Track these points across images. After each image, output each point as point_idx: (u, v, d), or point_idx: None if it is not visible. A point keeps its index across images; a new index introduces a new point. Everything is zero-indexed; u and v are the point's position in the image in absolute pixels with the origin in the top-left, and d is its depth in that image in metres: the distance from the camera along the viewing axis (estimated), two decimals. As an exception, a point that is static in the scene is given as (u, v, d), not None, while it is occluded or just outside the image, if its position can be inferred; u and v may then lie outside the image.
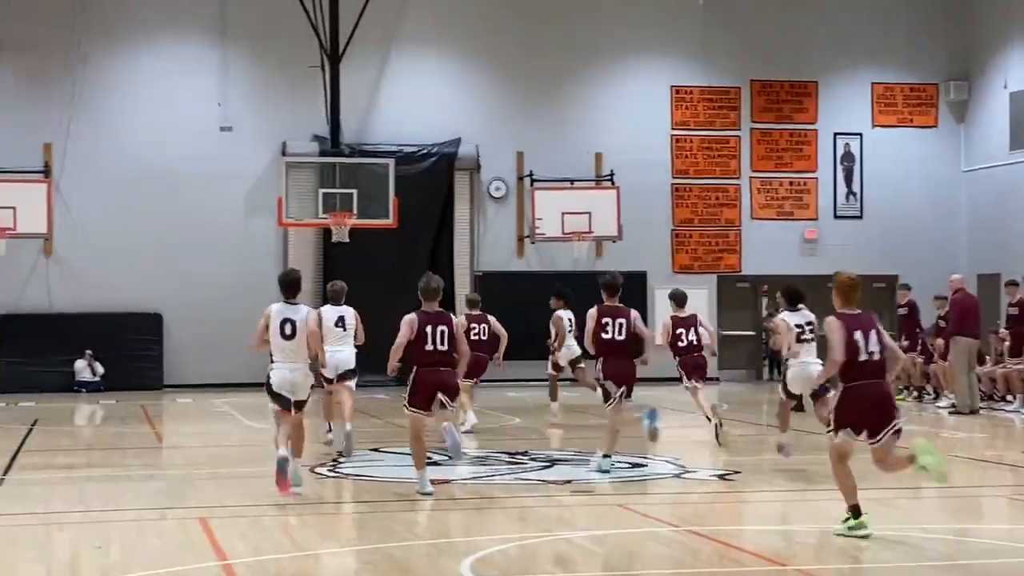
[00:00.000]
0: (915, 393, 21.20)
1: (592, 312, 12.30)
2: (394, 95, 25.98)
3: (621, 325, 12.15)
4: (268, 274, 24.92)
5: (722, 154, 27.36)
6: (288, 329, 10.97)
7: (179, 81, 25.25)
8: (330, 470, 12.85)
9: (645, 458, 13.95)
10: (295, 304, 11.12)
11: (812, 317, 12.80)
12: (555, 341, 17.18)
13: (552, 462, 13.24)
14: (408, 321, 11.01)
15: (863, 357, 8.93)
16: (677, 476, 12.56)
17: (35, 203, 22.95)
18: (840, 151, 27.80)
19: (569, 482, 11.90)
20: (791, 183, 27.65)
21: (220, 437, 16.48)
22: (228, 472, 13.04)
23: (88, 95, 24.81)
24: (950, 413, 18.69)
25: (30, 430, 17.02)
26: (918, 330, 21.24)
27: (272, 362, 11.08)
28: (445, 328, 11.01)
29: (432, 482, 11.81)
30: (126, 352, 24.40)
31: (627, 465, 13.26)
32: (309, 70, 24.37)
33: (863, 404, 8.99)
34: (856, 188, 27.84)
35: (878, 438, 8.99)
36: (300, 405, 11.13)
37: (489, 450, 14.35)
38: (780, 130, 27.59)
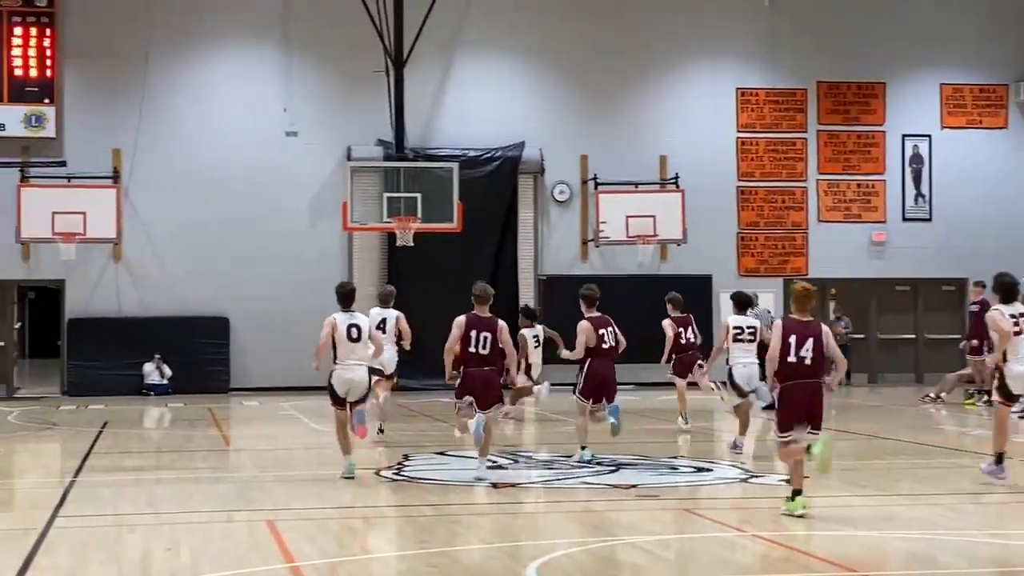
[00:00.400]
0: (985, 397, 20.88)
1: (587, 326, 13.18)
2: (458, 99, 26.05)
3: (614, 333, 13.27)
4: (333, 278, 24.96)
5: (788, 156, 27.15)
6: (355, 333, 12.35)
7: (245, 87, 25.50)
8: (395, 473, 12.89)
9: (711, 463, 13.86)
10: (352, 312, 12.47)
11: (756, 323, 14.57)
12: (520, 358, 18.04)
13: (618, 466, 13.19)
14: (457, 323, 12.20)
15: (791, 359, 10.03)
16: (743, 481, 12.47)
17: (105, 208, 23.22)
18: (908, 153, 27.48)
19: (635, 486, 11.85)
20: (858, 185, 27.36)
21: (286, 440, 16.60)
22: (295, 475, 13.12)
23: (156, 101, 25.10)
24: (1019, 417, 18.37)
25: (100, 432, 17.26)
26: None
27: (335, 363, 12.33)
28: (489, 334, 12.09)
29: (497, 486, 11.88)
30: (193, 355, 24.65)
31: (693, 469, 13.19)
32: (373, 75, 24.49)
33: (795, 399, 10.09)
34: (925, 190, 27.50)
35: (812, 433, 10.09)
36: (355, 404, 12.38)
37: (555, 454, 14.32)
38: (847, 132, 27.31)
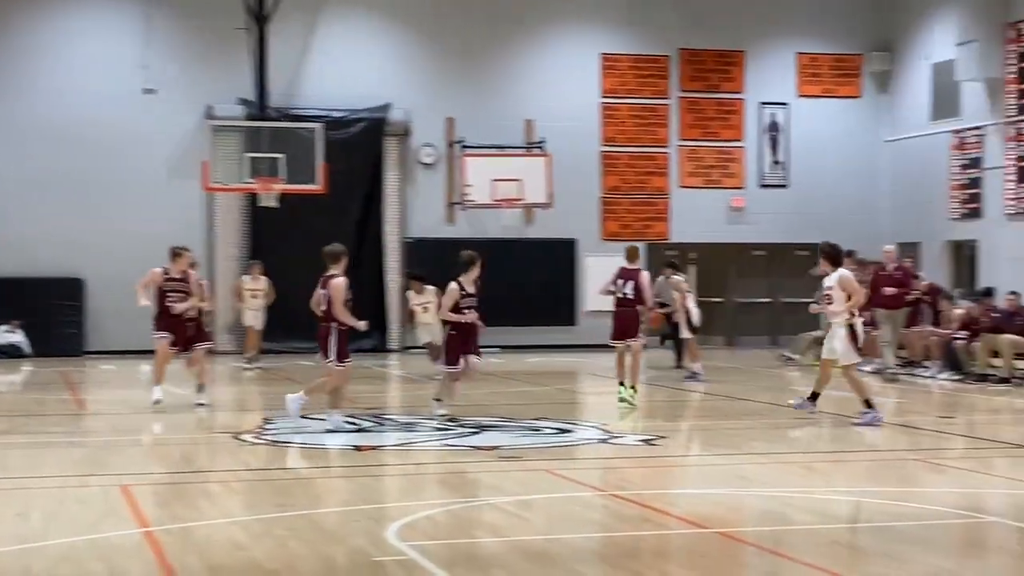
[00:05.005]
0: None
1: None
2: (323, 59, 25.72)
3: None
4: (193, 239, 24.56)
5: (651, 122, 27.44)
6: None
7: (101, 42, 24.81)
8: (256, 437, 12.76)
9: (572, 424, 14.02)
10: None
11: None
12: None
13: (480, 428, 13.26)
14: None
15: (620, 295, 15.17)
16: (603, 441, 12.64)
17: (-46, 165, 22.46)
18: (766, 120, 27.99)
19: (496, 448, 11.93)
20: (718, 151, 27.80)
21: (143, 404, 16.27)
22: (151, 439, 12.91)
23: (8, 54, 24.30)
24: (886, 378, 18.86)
25: (-52, 397, 16.73)
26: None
27: None
28: (325, 292, 12.94)
29: (360, 448, 11.88)
30: (47, 318, 23.99)
31: (554, 431, 13.32)
32: (235, 32, 24.03)
33: (616, 322, 15.25)
34: (782, 157, 28.06)
35: (628, 343, 15.22)
36: None
37: (417, 416, 14.32)
38: (708, 99, 27.70)
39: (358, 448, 11.96)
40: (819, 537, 8.09)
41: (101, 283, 24.40)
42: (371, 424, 13.68)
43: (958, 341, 18.90)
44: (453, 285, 13.55)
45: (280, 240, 24.20)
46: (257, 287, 21.04)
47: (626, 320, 15.21)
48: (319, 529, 8.23)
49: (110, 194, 24.56)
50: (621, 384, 15.33)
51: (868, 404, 13.46)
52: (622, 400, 15.14)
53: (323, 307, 12.91)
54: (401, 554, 7.50)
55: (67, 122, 24.45)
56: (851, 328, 13.50)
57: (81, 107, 24.53)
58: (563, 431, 13.38)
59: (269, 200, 22.52)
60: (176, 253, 15.51)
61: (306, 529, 8.22)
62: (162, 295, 15.19)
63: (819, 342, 22.40)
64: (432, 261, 22.70)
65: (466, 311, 13.53)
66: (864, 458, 11.90)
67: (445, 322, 13.86)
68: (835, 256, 13.82)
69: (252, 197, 23.81)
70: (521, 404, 15.90)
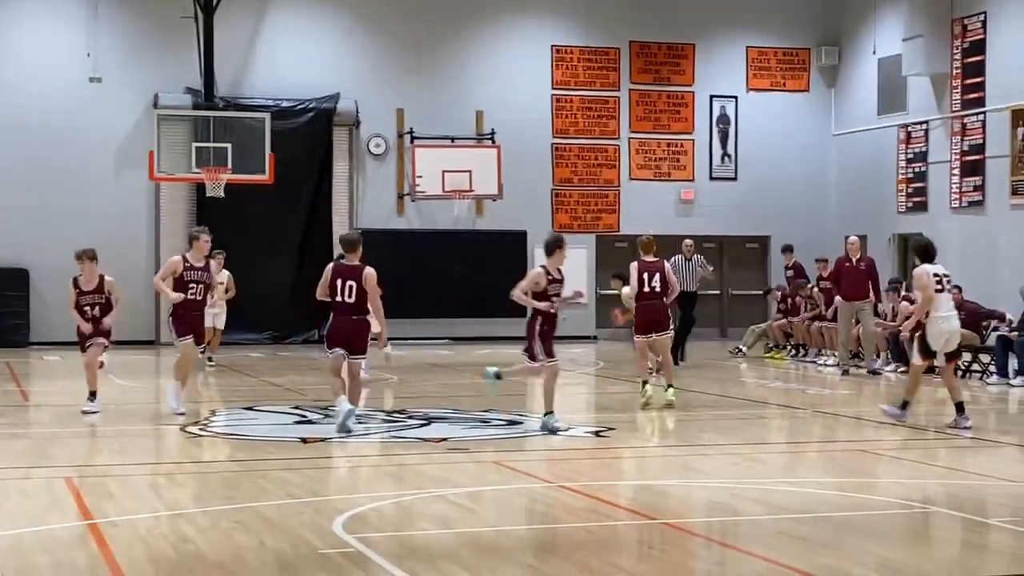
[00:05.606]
0: (793, 351, 21.75)
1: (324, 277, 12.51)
2: (271, 48, 25.53)
3: (352, 287, 12.27)
4: (139, 229, 24.46)
5: (602, 114, 27.46)
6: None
7: (47, 30, 24.48)
8: (202, 429, 12.66)
9: (522, 415, 14.01)
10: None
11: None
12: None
13: (429, 420, 13.22)
14: (325, 271, 12.33)
15: (647, 288, 14.40)
16: (552, 433, 12.62)
17: None
18: (716, 113, 28.10)
19: (444, 440, 11.90)
20: (668, 144, 27.88)
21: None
22: (96, 431, 12.77)
23: (-50, 42, 23.94)
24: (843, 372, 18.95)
25: None
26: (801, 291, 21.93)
27: None
28: (354, 283, 12.10)
29: (306, 441, 11.82)
30: (-9, 308, 23.70)
31: (503, 422, 13.31)
32: (182, 20, 23.80)
33: (645, 315, 14.46)
34: (731, 150, 28.19)
35: (657, 336, 14.56)
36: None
37: (366, 408, 14.26)
38: (658, 91, 27.76)
39: (304, 440, 11.89)
40: (766, 528, 8.13)
41: (46, 273, 24.07)
42: (318, 416, 13.61)
43: (904, 334, 19.05)
44: (539, 269, 12.61)
45: (228, 231, 23.90)
46: (220, 279, 20.49)
47: (655, 313, 14.36)
48: (265, 522, 8.16)
49: (55, 183, 24.26)
50: (645, 383, 14.43)
51: (905, 404, 13.02)
52: (646, 404, 14.23)
53: (351, 299, 12.06)
54: (347, 546, 7.46)
55: (11, 111, 24.13)
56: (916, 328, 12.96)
57: (26, 96, 24.21)
58: (512, 423, 13.37)
59: (215, 190, 22.34)
60: (196, 237, 13.68)
61: (252, 521, 8.15)
62: (183, 288, 13.32)
63: (766, 334, 22.79)
64: (382, 253, 22.61)
65: (554, 298, 12.55)
66: (811, 449, 11.99)
67: (534, 312, 12.43)
68: (919, 251, 13.14)
69: (199, 187, 23.60)
70: (470, 396, 15.88)
